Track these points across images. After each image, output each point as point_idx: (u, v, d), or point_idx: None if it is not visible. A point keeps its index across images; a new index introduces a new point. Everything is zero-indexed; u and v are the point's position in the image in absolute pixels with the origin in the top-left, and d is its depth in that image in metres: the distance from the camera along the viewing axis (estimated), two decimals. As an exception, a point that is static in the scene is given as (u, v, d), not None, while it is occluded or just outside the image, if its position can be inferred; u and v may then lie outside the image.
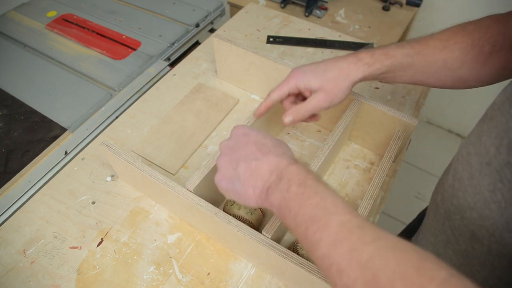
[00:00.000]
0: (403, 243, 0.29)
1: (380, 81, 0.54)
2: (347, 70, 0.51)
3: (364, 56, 0.51)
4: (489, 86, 0.52)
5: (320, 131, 0.72)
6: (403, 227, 0.82)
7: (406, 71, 0.51)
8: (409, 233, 0.74)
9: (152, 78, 0.84)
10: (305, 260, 0.44)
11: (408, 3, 1.17)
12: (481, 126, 0.39)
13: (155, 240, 0.57)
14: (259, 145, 0.41)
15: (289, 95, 0.54)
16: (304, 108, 0.52)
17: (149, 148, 0.68)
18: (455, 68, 0.49)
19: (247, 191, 0.39)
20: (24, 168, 0.66)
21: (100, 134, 0.72)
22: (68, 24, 0.95)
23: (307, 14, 1.10)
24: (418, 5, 1.17)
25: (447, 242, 0.43)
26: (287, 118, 0.52)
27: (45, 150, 0.68)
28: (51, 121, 0.73)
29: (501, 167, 0.33)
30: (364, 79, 0.52)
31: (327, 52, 0.87)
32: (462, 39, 0.48)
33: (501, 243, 0.35)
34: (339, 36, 0.91)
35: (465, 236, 0.40)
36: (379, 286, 0.27)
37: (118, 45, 0.89)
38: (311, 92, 0.52)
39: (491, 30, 0.47)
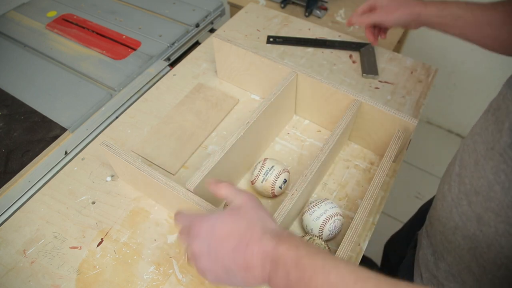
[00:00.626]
0: None
1: (434, 27, 0.65)
2: (409, 2, 0.66)
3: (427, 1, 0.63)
4: (490, 87, 0.53)
5: (320, 131, 0.72)
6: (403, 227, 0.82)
7: (455, 21, 0.60)
8: (409, 229, 0.74)
9: (152, 78, 0.84)
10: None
11: (408, 3, 1.17)
12: (486, 116, 0.41)
13: (155, 240, 0.57)
14: (235, 238, 0.37)
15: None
16: (372, 17, 0.71)
17: (149, 148, 0.68)
18: (496, 26, 0.56)
19: (249, 283, 0.37)
20: (24, 168, 0.66)
21: (100, 134, 0.72)
22: (68, 24, 0.95)
23: (307, 14, 1.09)
24: (418, 5, 1.17)
25: (455, 229, 0.44)
26: (357, 19, 0.75)
27: (45, 150, 0.68)
28: (51, 121, 0.73)
29: (504, 149, 0.35)
30: (418, 13, 0.65)
31: (327, 52, 0.87)
32: (503, 6, 0.55)
33: (507, 222, 0.36)
34: (339, 36, 0.91)
35: (472, 220, 0.41)
36: None
37: (118, 45, 0.89)
38: (379, 7, 0.71)
39: None
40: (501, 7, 0.56)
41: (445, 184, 0.48)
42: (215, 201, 0.58)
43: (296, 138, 0.71)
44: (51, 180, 0.65)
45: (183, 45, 0.93)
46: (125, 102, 0.80)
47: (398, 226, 0.89)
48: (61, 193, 0.63)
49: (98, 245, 0.57)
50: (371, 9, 0.72)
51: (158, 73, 0.85)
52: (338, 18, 1.10)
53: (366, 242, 0.58)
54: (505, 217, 0.37)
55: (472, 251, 0.42)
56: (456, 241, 0.44)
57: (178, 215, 0.42)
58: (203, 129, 0.71)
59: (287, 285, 0.34)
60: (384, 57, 0.85)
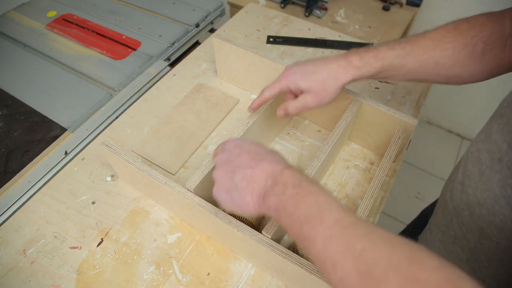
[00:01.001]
0: (395, 237, 0.29)
1: (372, 79, 0.54)
2: (336, 73, 0.51)
3: (354, 58, 0.51)
4: (490, 87, 0.52)
5: (320, 131, 0.72)
6: (403, 227, 0.82)
7: (397, 71, 0.51)
8: (410, 232, 0.74)
9: (152, 78, 0.84)
10: (305, 260, 0.44)
11: (408, 3, 1.17)
12: (491, 123, 0.40)
13: (155, 240, 0.57)
14: (252, 154, 0.42)
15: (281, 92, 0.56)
16: (294, 105, 0.54)
17: (149, 148, 0.68)
18: (448, 67, 0.49)
19: (245, 199, 0.40)
20: (24, 168, 0.66)
21: (100, 134, 0.72)
22: (68, 24, 0.95)
23: (307, 14, 1.10)
24: (418, 5, 1.17)
25: (455, 238, 0.43)
26: (279, 112, 0.56)
27: (45, 150, 0.68)
28: (51, 121, 0.73)
29: None
30: (353, 81, 0.53)
31: (327, 52, 0.87)
32: (454, 38, 0.48)
33: (510, 238, 0.36)
34: (339, 36, 0.91)
35: (473, 232, 0.40)
36: (373, 277, 0.27)
37: (118, 45, 0.89)
38: (302, 91, 0.54)
39: (485, 28, 0.47)
40: (444, 40, 0.49)
41: (447, 191, 0.47)
42: (215, 202, 0.58)
43: (296, 138, 0.71)
44: (51, 180, 0.65)
45: (183, 45, 0.93)
46: (125, 102, 0.80)
47: (398, 226, 0.89)
48: (61, 193, 0.63)
49: (98, 245, 0.57)
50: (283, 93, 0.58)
51: (158, 73, 0.85)
52: (338, 18, 1.10)
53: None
54: (508, 233, 0.36)
55: (471, 263, 0.41)
56: (455, 251, 0.44)
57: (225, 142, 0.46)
58: (203, 129, 0.71)
59: (279, 201, 0.37)
60: (384, 57, 0.85)
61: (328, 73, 0.52)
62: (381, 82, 0.80)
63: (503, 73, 0.49)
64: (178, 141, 0.69)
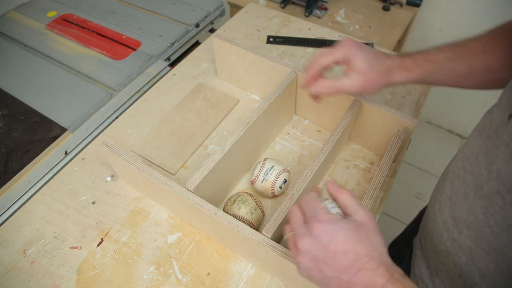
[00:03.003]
0: None
1: (423, 84, 0.53)
2: (390, 71, 0.50)
3: (407, 61, 0.50)
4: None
5: (320, 131, 0.72)
6: (403, 227, 0.82)
7: (449, 75, 0.50)
8: (409, 233, 0.74)
9: (152, 78, 0.84)
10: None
11: (408, 3, 1.17)
12: (478, 140, 0.38)
13: (155, 240, 0.57)
14: (350, 256, 0.34)
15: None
16: (336, 85, 0.51)
17: (149, 148, 0.68)
18: (496, 71, 0.48)
19: None
20: (24, 168, 0.66)
21: (100, 134, 0.72)
22: (68, 24, 0.95)
23: (307, 14, 1.10)
24: (418, 5, 1.17)
25: (447, 253, 0.43)
26: (316, 89, 0.52)
27: (45, 150, 0.68)
28: (51, 121, 0.73)
29: (492, 194, 0.33)
30: (402, 83, 0.51)
31: (327, 52, 0.87)
32: (503, 40, 0.47)
33: (497, 263, 0.35)
34: (339, 36, 0.91)
35: (464, 250, 0.40)
36: None
37: (118, 45, 0.89)
38: (352, 68, 0.50)
39: None
40: (493, 42, 0.47)
41: (436, 203, 0.46)
42: (215, 201, 0.58)
43: (296, 138, 0.71)
44: (51, 180, 0.65)
45: (183, 45, 0.93)
46: (125, 102, 0.80)
47: (398, 226, 0.89)
48: (61, 193, 0.63)
49: (98, 245, 0.57)
50: (337, 64, 0.53)
51: (158, 73, 0.85)
52: (338, 18, 1.10)
53: None
54: (495, 259, 0.35)
55: (463, 278, 0.41)
56: (448, 265, 0.43)
57: (305, 199, 0.40)
58: (203, 129, 0.71)
59: None
60: (384, 57, 0.85)
61: (386, 68, 0.50)
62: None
63: None
64: (178, 141, 0.69)
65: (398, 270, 0.34)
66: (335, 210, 0.55)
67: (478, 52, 0.48)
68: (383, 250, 0.35)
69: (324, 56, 0.52)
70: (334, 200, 0.41)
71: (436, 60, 0.49)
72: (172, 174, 0.65)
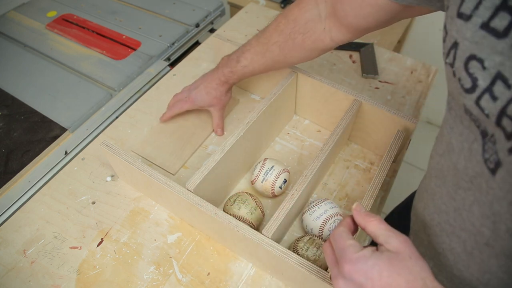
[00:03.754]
0: None
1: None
2: (218, 90, 0.66)
3: (225, 74, 0.64)
4: None
5: (320, 131, 0.72)
6: (403, 227, 0.81)
7: (253, 72, 0.63)
8: (396, 215, 0.73)
9: (152, 78, 0.84)
10: (305, 260, 0.44)
11: (408, 3, 1.17)
12: (449, 190, 0.36)
13: (155, 240, 0.57)
14: None
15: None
16: (216, 122, 0.70)
17: (149, 148, 0.68)
18: (283, 61, 0.59)
19: None
20: (24, 168, 0.66)
21: (100, 134, 0.72)
22: (68, 24, 0.95)
23: (307, 14, 1.10)
24: (418, 5, 1.17)
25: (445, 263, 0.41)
26: (219, 133, 0.71)
27: (45, 150, 0.68)
28: (51, 121, 0.73)
29: (511, 252, 0.30)
30: (235, 82, 0.66)
31: (327, 52, 0.87)
32: (276, 38, 0.56)
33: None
34: (339, 36, 0.91)
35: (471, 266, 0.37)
36: None
37: (118, 45, 0.89)
38: (206, 109, 0.69)
39: (298, 21, 0.53)
40: (270, 42, 0.58)
41: (426, 258, 0.42)
42: (215, 201, 0.58)
43: (296, 138, 0.71)
44: (51, 180, 0.65)
45: (183, 45, 0.93)
46: (125, 102, 0.80)
47: (398, 226, 0.88)
48: (61, 193, 0.63)
49: (98, 245, 0.57)
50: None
51: (158, 73, 0.85)
52: (338, 18, 1.09)
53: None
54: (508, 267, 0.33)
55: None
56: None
57: (333, 237, 0.38)
58: (204, 129, 0.71)
59: None
60: (384, 57, 0.85)
61: (215, 91, 0.66)
62: (381, 82, 0.80)
63: (332, 49, 0.56)
64: (179, 141, 0.69)
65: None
66: (335, 210, 0.55)
67: (263, 54, 0.59)
68: (425, 275, 0.32)
69: (176, 108, 0.70)
70: (363, 229, 0.38)
71: (247, 65, 0.61)
72: (172, 174, 0.65)
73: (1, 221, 0.61)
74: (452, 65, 0.29)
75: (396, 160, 0.67)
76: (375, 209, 0.61)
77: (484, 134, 0.29)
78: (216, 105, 0.68)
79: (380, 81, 0.80)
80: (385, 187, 0.64)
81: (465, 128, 0.32)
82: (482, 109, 0.27)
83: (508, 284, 0.33)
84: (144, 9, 1.01)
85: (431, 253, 0.43)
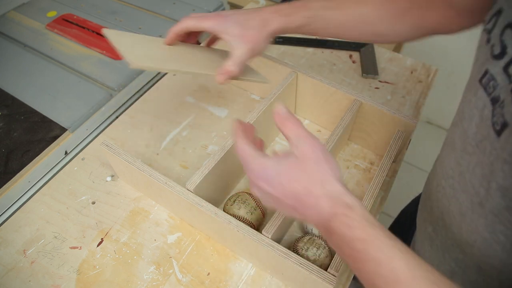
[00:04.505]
0: None
1: (303, 34, 0.53)
2: (267, 21, 0.50)
3: (283, 7, 0.51)
4: None
5: (320, 131, 0.72)
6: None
7: (327, 23, 0.51)
8: (398, 228, 0.73)
9: (152, 78, 0.84)
10: (305, 260, 0.44)
11: (408, 3, 1.17)
12: (454, 155, 0.37)
13: (155, 240, 0.57)
14: (290, 199, 0.34)
15: (197, 33, 0.55)
16: (232, 62, 0.50)
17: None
18: (372, 23, 0.50)
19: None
20: (24, 168, 0.66)
21: (100, 134, 0.72)
22: (68, 24, 0.95)
23: (307, 14, 1.09)
24: (418, 5, 1.17)
25: (452, 273, 0.42)
26: (219, 78, 0.51)
27: (45, 150, 0.68)
28: (51, 121, 0.73)
29: (499, 211, 0.32)
30: (283, 30, 0.51)
31: (327, 52, 0.87)
32: None
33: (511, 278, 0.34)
34: (339, 36, 0.91)
35: (471, 269, 0.38)
36: None
37: (118, 45, 0.89)
38: (229, 37, 0.50)
39: None
40: (372, 1, 0.49)
41: (427, 223, 0.45)
42: (216, 201, 0.58)
43: (296, 138, 0.71)
44: (51, 180, 0.65)
45: (183, 45, 0.93)
46: (125, 102, 0.80)
47: (398, 226, 0.89)
48: (61, 193, 0.63)
49: (98, 245, 0.57)
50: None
51: (158, 73, 0.85)
52: (338, 18, 1.09)
53: None
54: (509, 274, 0.34)
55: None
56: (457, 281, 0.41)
57: (237, 145, 0.38)
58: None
59: (340, 253, 0.33)
60: (384, 57, 0.85)
61: (260, 20, 0.50)
62: (381, 82, 0.80)
63: (429, 35, 0.50)
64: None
65: (345, 200, 0.32)
66: None
67: (354, 4, 0.50)
68: (326, 179, 0.33)
69: (192, 19, 0.51)
70: (281, 131, 0.38)
71: (313, 7, 0.50)
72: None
73: (1, 221, 0.61)
74: (490, 31, 0.31)
75: (396, 160, 0.67)
76: (375, 209, 0.61)
77: (494, 100, 0.30)
78: (244, 40, 0.49)
79: (380, 81, 0.80)
80: (385, 187, 0.64)
81: (474, 96, 0.33)
82: (509, 76, 0.28)
83: (491, 243, 0.34)
84: (144, 9, 1.01)
85: (431, 218, 0.44)
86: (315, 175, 0.33)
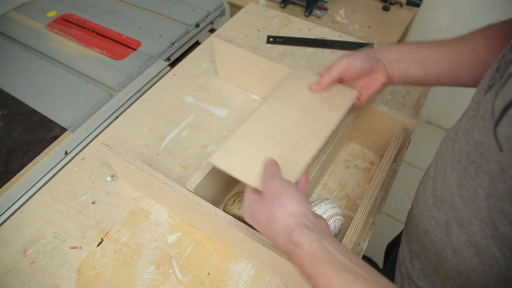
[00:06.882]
0: None
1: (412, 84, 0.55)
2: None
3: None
4: None
5: (320, 131, 0.72)
6: (403, 227, 0.82)
7: (437, 65, 0.53)
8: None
9: (152, 78, 0.84)
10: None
11: (408, 3, 1.17)
12: (462, 119, 0.41)
13: (155, 240, 0.57)
14: (259, 228, 0.42)
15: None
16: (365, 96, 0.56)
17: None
18: (483, 54, 0.50)
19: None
20: (24, 168, 0.66)
21: (100, 134, 0.72)
22: (68, 24, 0.95)
23: (307, 14, 1.09)
24: (418, 5, 1.17)
25: (425, 232, 0.45)
26: (321, 84, 0.55)
27: (45, 150, 0.68)
28: (51, 121, 0.73)
29: (467, 166, 0.35)
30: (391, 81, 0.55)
31: (327, 52, 0.87)
32: (486, 31, 0.50)
33: (468, 233, 0.36)
34: (339, 36, 0.91)
35: (441, 226, 0.42)
36: None
37: (118, 45, 0.89)
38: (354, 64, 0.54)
39: None
40: (482, 35, 0.50)
41: (421, 185, 0.48)
42: (215, 201, 0.58)
43: (296, 138, 0.71)
44: (51, 180, 0.65)
45: (183, 45, 0.93)
46: (125, 102, 0.80)
47: (398, 226, 0.89)
48: (61, 193, 0.63)
49: (98, 245, 0.57)
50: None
51: (158, 73, 0.85)
52: (338, 18, 1.10)
53: (366, 242, 0.58)
54: (466, 229, 0.37)
55: (438, 255, 0.42)
56: (426, 244, 0.45)
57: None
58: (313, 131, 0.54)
59: (298, 262, 0.38)
60: (384, 57, 0.85)
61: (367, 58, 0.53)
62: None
63: None
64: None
65: (292, 237, 0.37)
66: (335, 210, 0.55)
67: (462, 41, 0.52)
68: (274, 210, 0.39)
69: (333, 70, 0.54)
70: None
71: (418, 52, 0.53)
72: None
73: (1, 221, 0.61)
74: None
75: (396, 160, 0.67)
76: (375, 209, 0.61)
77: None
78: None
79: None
80: (385, 187, 0.64)
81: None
82: None
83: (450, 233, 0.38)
84: (144, 9, 1.01)
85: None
86: (268, 210, 0.40)
